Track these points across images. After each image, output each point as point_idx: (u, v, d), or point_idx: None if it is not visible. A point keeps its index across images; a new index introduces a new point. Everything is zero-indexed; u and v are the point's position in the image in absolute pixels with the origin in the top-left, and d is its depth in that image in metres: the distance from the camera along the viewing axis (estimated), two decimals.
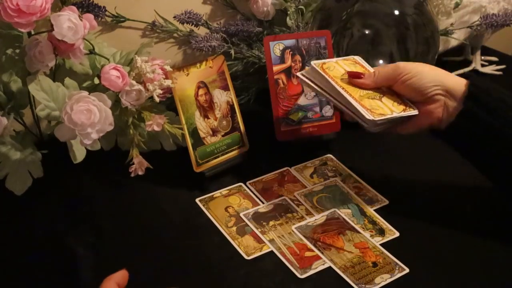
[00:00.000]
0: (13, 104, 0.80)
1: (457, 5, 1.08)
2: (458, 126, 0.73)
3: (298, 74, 0.78)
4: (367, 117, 0.71)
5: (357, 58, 0.81)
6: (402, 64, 0.74)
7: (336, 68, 0.77)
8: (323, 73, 0.75)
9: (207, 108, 0.83)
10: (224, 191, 0.83)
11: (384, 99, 0.75)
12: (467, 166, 0.89)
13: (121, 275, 0.58)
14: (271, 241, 0.74)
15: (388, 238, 0.75)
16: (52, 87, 0.75)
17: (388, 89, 0.77)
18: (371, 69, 0.78)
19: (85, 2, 0.91)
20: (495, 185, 0.77)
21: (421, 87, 0.73)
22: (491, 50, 1.27)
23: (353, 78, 0.75)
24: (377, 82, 0.76)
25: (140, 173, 0.80)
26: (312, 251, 0.72)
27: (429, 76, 0.73)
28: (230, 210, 0.80)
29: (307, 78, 0.77)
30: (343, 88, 0.74)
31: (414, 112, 0.74)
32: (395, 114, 0.73)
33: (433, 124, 0.75)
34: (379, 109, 0.73)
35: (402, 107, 0.74)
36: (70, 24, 0.71)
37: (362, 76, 0.76)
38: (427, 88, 0.73)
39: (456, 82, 0.73)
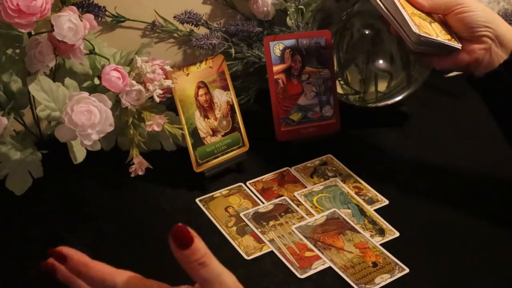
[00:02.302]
0: (13, 104, 0.80)
1: None
2: (497, 76, 0.72)
3: None
4: (414, 29, 0.70)
5: None
6: None
7: None
8: None
9: (207, 108, 0.83)
10: (224, 191, 0.83)
11: (434, 25, 0.74)
12: (467, 166, 0.89)
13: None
14: (271, 241, 0.74)
15: (388, 238, 0.75)
16: (52, 87, 0.75)
17: (439, 19, 0.76)
18: None
19: (85, 2, 0.91)
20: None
21: (473, 23, 0.72)
22: None
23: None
24: (433, 7, 0.75)
25: (140, 173, 0.80)
26: (312, 251, 0.72)
27: (485, 15, 0.72)
28: (230, 210, 0.80)
29: None
30: (399, 1, 0.73)
31: (458, 45, 0.73)
32: (439, 39, 0.72)
33: (471, 65, 0.74)
34: (426, 29, 0.72)
35: (448, 36, 0.74)
36: (70, 24, 0.71)
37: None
38: (478, 27, 0.72)
39: (508, 33, 0.71)
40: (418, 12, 0.75)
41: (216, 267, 0.45)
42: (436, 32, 0.73)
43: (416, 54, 0.79)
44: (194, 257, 0.44)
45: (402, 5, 0.73)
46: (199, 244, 0.44)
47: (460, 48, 0.73)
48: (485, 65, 0.73)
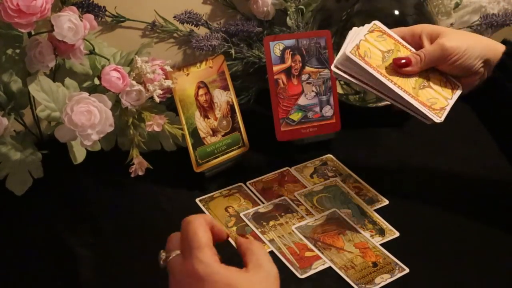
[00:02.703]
0: (13, 105, 0.80)
1: (457, 5, 1.08)
2: (483, 93, 0.73)
3: (332, 67, 0.70)
4: (436, 120, 0.69)
5: (380, 25, 0.75)
6: (448, 44, 0.70)
7: (373, 51, 0.71)
8: (364, 65, 0.68)
9: (207, 108, 0.83)
10: (224, 191, 0.83)
11: (432, 84, 0.72)
12: (467, 166, 0.89)
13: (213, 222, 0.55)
14: (271, 241, 0.74)
15: (388, 238, 0.75)
16: (52, 87, 0.75)
17: (430, 68, 0.73)
18: (405, 43, 0.74)
19: (85, 2, 0.91)
20: (509, 158, 0.76)
21: (469, 65, 0.71)
22: None
23: (400, 67, 0.71)
24: (423, 68, 0.72)
25: (140, 173, 0.80)
26: (312, 251, 0.72)
27: (476, 51, 0.71)
28: (230, 210, 0.80)
29: (343, 72, 0.70)
30: (394, 83, 0.69)
31: (460, 91, 0.73)
32: (450, 102, 0.71)
33: (469, 91, 0.75)
34: (436, 102, 0.70)
35: (449, 89, 0.73)
36: (70, 24, 0.71)
37: (409, 63, 0.71)
38: (474, 66, 0.71)
39: (495, 52, 0.72)
40: (415, 79, 0.71)
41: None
42: (441, 94, 0.72)
43: None
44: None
45: (402, 89, 0.69)
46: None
47: (461, 90, 0.73)
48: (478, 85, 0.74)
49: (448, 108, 0.71)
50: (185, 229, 0.51)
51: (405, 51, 0.73)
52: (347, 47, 0.70)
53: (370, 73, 0.69)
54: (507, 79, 0.71)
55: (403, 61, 0.71)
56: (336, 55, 0.71)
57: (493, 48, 0.72)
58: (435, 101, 0.71)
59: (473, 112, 0.78)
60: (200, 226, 0.51)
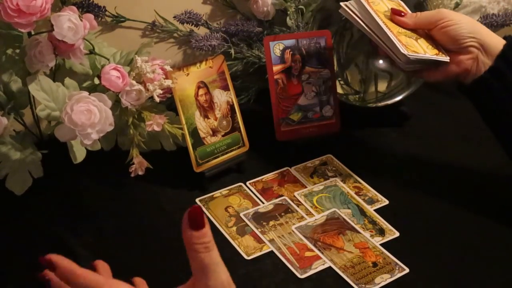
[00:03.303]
0: (13, 104, 0.80)
1: (457, 5, 1.08)
2: (484, 83, 0.74)
3: (342, 4, 0.78)
4: (402, 51, 0.72)
5: (402, 3, 0.82)
6: (444, 10, 0.75)
7: (380, 4, 0.78)
8: (367, 6, 0.76)
9: (207, 108, 0.83)
10: (224, 191, 0.83)
11: (420, 41, 0.76)
12: (467, 165, 0.89)
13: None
14: (271, 241, 0.74)
15: (388, 238, 0.75)
16: (52, 87, 0.75)
17: (424, 33, 0.78)
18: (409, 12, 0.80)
19: (85, 2, 0.91)
20: (509, 153, 0.77)
21: (458, 35, 0.74)
22: None
23: (395, 14, 0.77)
24: (417, 23, 0.77)
25: (140, 173, 0.80)
26: (312, 251, 0.72)
27: (468, 26, 0.74)
28: (230, 210, 0.80)
29: (349, 9, 0.78)
30: (383, 23, 0.75)
31: (446, 58, 0.75)
32: (427, 55, 0.74)
33: (460, 75, 0.76)
34: (413, 47, 0.74)
35: (435, 51, 0.75)
36: (70, 24, 0.71)
37: (404, 14, 0.77)
38: (463, 38, 0.74)
39: (494, 40, 0.74)
40: (404, 30, 0.77)
41: (217, 256, 0.48)
42: (423, 49, 0.75)
43: (408, 72, 0.80)
44: (201, 239, 0.47)
45: (387, 26, 0.75)
46: (208, 230, 0.48)
47: (448, 60, 0.75)
48: (473, 73, 0.75)
49: (420, 55, 0.74)
50: None
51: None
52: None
53: (368, 12, 0.75)
54: (510, 70, 0.72)
55: (401, 12, 0.78)
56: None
57: (491, 36, 0.74)
58: (412, 46, 0.74)
59: (474, 111, 0.78)
60: None
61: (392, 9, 0.78)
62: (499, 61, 0.73)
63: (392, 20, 0.77)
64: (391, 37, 0.74)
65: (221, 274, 0.49)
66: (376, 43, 0.77)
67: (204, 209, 0.80)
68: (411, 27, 0.77)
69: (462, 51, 0.74)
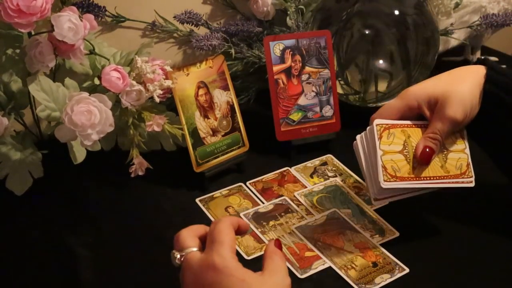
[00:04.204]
0: (14, 105, 0.80)
1: (457, 5, 1.08)
2: (481, 110, 0.71)
3: (373, 202, 0.72)
4: (470, 185, 0.70)
5: (381, 122, 0.72)
6: (459, 117, 0.69)
7: (396, 160, 0.69)
8: (402, 184, 0.68)
9: (207, 108, 0.83)
10: (224, 191, 0.83)
11: (446, 145, 0.72)
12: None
13: (239, 221, 0.58)
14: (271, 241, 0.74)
15: (388, 238, 0.75)
16: (52, 87, 0.75)
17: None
18: (413, 123, 0.72)
19: (85, 2, 0.91)
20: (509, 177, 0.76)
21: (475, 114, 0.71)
22: (491, 50, 1.27)
23: (427, 161, 0.69)
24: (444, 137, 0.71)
25: (140, 173, 0.80)
26: (312, 251, 0.72)
27: (475, 99, 0.69)
28: (230, 210, 0.80)
29: (383, 198, 0.71)
30: (428, 178, 0.69)
31: (464, 130, 0.74)
32: (467, 152, 0.73)
33: None
34: (461, 162, 0.71)
35: (458, 137, 0.74)
36: (70, 24, 0.71)
37: (433, 152, 0.70)
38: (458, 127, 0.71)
39: (479, 76, 0.70)
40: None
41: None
42: (457, 149, 0.73)
43: None
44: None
45: (437, 178, 0.70)
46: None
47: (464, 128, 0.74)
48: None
49: (470, 161, 0.72)
50: (212, 226, 0.55)
51: (415, 133, 0.71)
52: (378, 177, 0.68)
53: (409, 186, 0.69)
54: (500, 90, 0.70)
55: (427, 150, 0.69)
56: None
57: (476, 75, 0.70)
58: (460, 163, 0.71)
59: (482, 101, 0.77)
60: (226, 227, 0.54)
61: (420, 158, 0.69)
62: (486, 86, 0.70)
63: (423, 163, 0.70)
64: (450, 186, 0.70)
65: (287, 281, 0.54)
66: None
67: (204, 209, 0.80)
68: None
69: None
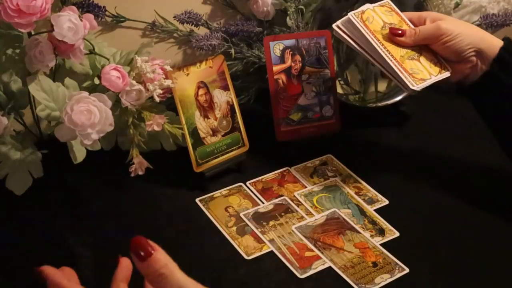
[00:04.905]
0: (13, 104, 0.80)
1: (457, 5, 1.08)
2: (480, 87, 0.75)
3: (334, 26, 0.76)
4: (411, 86, 0.71)
5: (391, 3, 0.80)
6: (443, 25, 0.74)
7: (375, 19, 0.76)
8: (362, 28, 0.74)
9: (207, 108, 0.83)
10: (224, 191, 0.83)
11: (422, 59, 0.75)
12: (467, 166, 0.89)
13: (123, 271, 0.58)
14: (271, 241, 0.74)
15: (388, 238, 0.75)
16: (52, 87, 0.75)
17: (424, 45, 0.77)
18: (409, 22, 0.78)
19: (85, 2, 0.91)
20: (508, 154, 0.78)
21: (460, 49, 0.74)
22: None
23: (394, 35, 0.75)
24: (416, 41, 0.76)
25: (140, 173, 0.80)
26: (312, 251, 0.72)
27: (468, 38, 0.74)
28: (230, 210, 0.80)
29: (343, 31, 0.75)
30: (384, 48, 0.73)
31: (448, 74, 0.75)
32: (433, 78, 0.73)
33: (459, 81, 0.77)
34: (419, 73, 0.73)
35: (438, 68, 0.75)
36: (70, 24, 0.71)
37: (402, 32, 0.76)
38: (465, 51, 0.74)
39: (490, 45, 0.74)
40: (406, 50, 0.75)
41: (178, 279, 0.45)
42: (427, 70, 0.75)
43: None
44: (152, 268, 0.44)
45: (389, 53, 0.73)
46: (159, 255, 0.45)
47: (450, 74, 0.76)
48: (471, 78, 0.76)
49: (428, 82, 0.73)
50: None
51: (406, 28, 0.77)
52: (353, 12, 0.73)
53: (364, 35, 0.73)
54: (504, 73, 0.73)
55: (399, 31, 0.75)
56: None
57: (489, 41, 0.75)
58: (418, 72, 0.73)
59: (473, 110, 0.79)
60: None
61: (390, 29, 0.76)
62: (494, 66, 0.74)
63: (390, 40, 0.76)
64: (395, 70, 0.72)
65: None
66: (378, 67, 0.75)
67: (204, 209, 0.80)
68: (411, 45, 0.76)
69: (463, 61, 0.75)
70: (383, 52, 0.73)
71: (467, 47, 0.74)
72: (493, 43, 0.74)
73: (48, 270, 0.55)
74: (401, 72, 0.72)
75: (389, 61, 0.73)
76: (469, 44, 0.74)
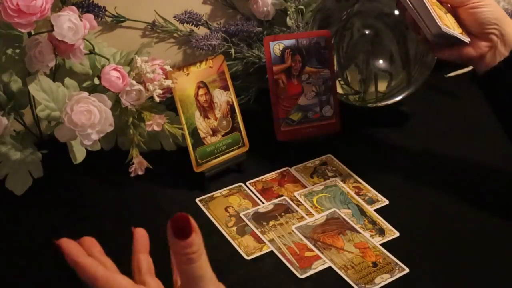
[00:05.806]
0: (13, 104, 0.80)
1: None
2: (498, 74, 0.73)
3: None
4: (438, 23, 0.70)
5: None
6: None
7: None
8: None
9: (207, 108, 0.83)
10: (224, 191, 0.83)
11: (448, 16, 0.75)
12: (468, 166, 0.89)
13: (139, 241, 0.56)
14: (271, 241, 0.74)
15: (388, 238, 0.75)
16: (52, 87, 0.75)
17: (451, 10, 0.76)
18: None
19: (85, 2, 0.91)
20: None
21: (484, 20, 0.73)
22: None
23: None
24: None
25: (140, 173, 0.80)
26: (312, 251, 0.72)
27: (496, 14, 0.73)
28: (230, 210, 0.80)
29: None
30: None
31: (467, 40, 0.74)
32: (455, 33, 0.72)
33: (474, 60, 0.75)
34: (445, 21, 0.73)
35: (459, 30, 0.74)
36: (70, 24, 0.71)
37: None
38: (488, 24, 0.73)
39: None
40: (435, 1, 0.75)
41: (203, 269, 0.45)
42: (451, 24, 0.74)
43: (425, 43, 0.79)
44: (185, 250, 0.43)
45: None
46: (195, 239, 0.44)
47: (469, 42, 0.74)
48: (487, 61, 0.74)
49: (451, 32, 0.72)
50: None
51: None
52: None
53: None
54: None
55: None
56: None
57: (511, 27, 0.73)
58: (444, 19, 0.73)
59: (473, 110, 0.78)
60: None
61: None
62: None
63: None
64: (428, 7, 0.71)
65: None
66: (408, 9, 0.73)
67: (204, 209, 0.80)
68: (443, 0, 0.75)
69: (483, 37, 0.73)
70: None
71: (492, 21, 0.72)
72: None
73: (64, 243, 0.53)
74: (433, 11, 0.71)
75: (426, 2, 0.72)
76: (495, 19, 0.72)
